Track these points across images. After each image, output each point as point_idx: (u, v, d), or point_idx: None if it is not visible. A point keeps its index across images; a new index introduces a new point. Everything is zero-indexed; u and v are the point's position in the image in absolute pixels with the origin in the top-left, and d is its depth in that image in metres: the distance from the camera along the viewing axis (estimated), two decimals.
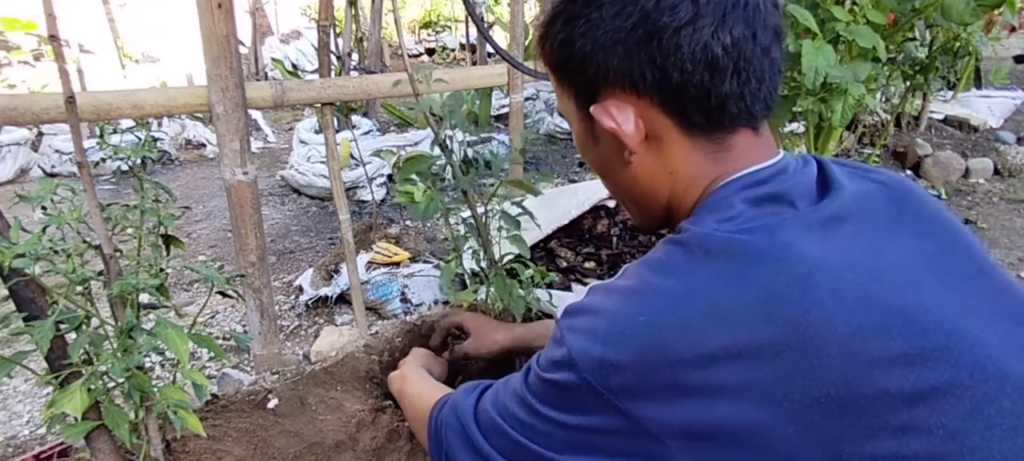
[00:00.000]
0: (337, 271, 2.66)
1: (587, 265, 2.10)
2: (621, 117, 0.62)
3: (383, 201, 3.88)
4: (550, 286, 1.34)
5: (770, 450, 0.51)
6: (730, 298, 0.53)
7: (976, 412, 0.50)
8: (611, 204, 1.65)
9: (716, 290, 0.54)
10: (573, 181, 4.32)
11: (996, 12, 2.54)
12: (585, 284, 1.55)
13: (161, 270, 0.89)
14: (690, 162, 0.63)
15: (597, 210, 1.61)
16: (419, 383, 0.92)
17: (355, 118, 4.87)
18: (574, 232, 2.13)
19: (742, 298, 0.53)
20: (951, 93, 4.81)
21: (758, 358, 0.51)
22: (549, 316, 1.52)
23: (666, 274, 0.57)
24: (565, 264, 2.14)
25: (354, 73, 4.96)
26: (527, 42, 6.18)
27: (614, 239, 1.62)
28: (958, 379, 0.51)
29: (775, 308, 0.52)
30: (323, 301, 2.60)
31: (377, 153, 4.09)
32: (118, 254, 0.86)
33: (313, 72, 7.54)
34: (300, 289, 2.71)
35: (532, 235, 1.50)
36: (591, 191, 1.53)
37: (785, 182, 0.61)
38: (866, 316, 0.51)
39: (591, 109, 0.64)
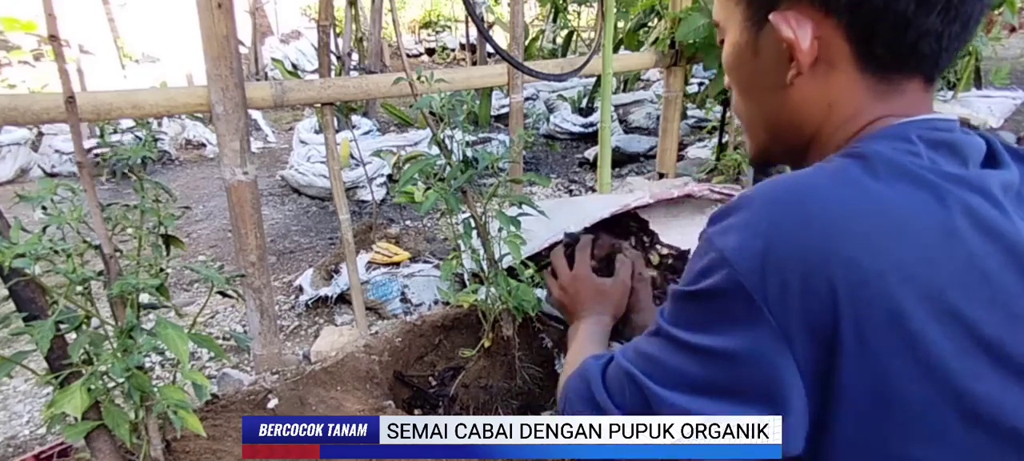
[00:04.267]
0: (337, 271, 2.66)
1: None
2: (800, 31, 0.57)
3: (383, 201, 3.89)
4: None
5: (882, 366, 0.49)
6: (912, 217, 0.51)
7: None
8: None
9: (899, 208, 0.51)
10: (573, 181, 4.32)
11: (996, 12, 2.54)
12: None
13: (161, 270, 0.89)
14: (853, 98, 0.59)
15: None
16: (572, 349, 0.92)
17: (355, 118, 4.87)
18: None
19: (922, 223, 0.51)
20: (951, 93, 4.80)
21: (918, 270, 0.49)
22: (549, 316, 1.52)
23: (842, 182, 0.53)
24: None
25: (354, 73, 4.97)
26: (527, 42, 6.19)
27: None
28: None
29: (948, 240, 0.51)
30: (323, 301, 2.60)
31: (377, 153, 4.10)
32: (118, 254, 0.86)
33: (313, 72, 7.54)
34: (300, 289, 2.71)
35: (531, 246, 1.48)
36: (592, 209, 1.49)
37: (960, 138, 0.58)
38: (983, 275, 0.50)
39: (771, 15, 0.58)
